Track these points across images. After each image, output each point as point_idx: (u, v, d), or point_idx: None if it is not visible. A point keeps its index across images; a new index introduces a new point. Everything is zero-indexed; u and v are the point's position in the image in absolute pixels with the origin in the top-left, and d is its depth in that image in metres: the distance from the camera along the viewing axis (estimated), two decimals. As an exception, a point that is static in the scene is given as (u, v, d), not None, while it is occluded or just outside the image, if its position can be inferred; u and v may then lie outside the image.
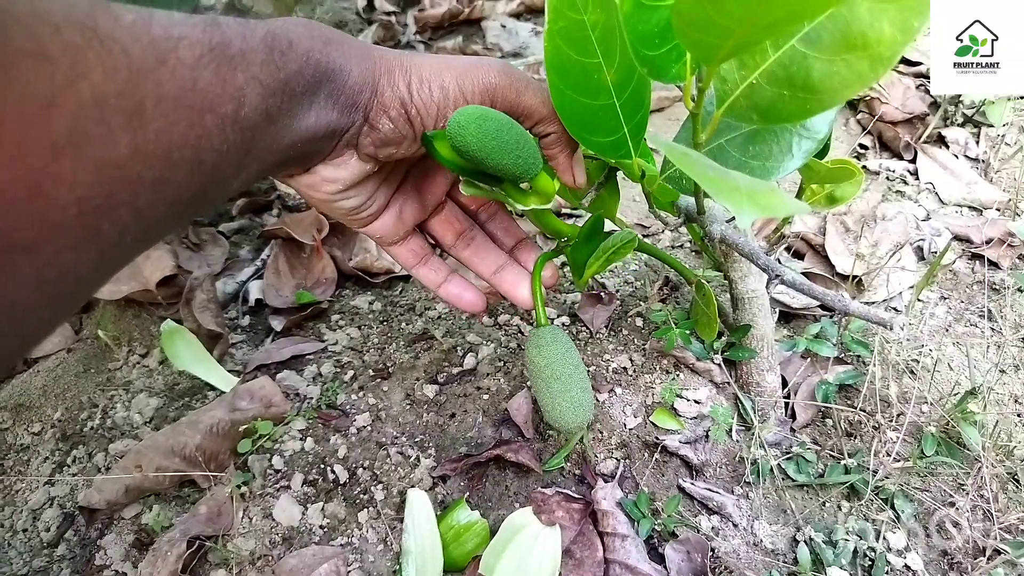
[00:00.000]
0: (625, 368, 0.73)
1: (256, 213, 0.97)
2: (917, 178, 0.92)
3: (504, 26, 1.51)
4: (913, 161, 0.94)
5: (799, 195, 0.65)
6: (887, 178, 0.93)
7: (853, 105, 1.04)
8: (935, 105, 1.01)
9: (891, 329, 0.43)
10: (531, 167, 0.42)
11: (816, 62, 0.36)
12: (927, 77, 1.07)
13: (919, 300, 0.77)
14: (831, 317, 0.74)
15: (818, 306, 0.75)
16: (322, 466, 0.66)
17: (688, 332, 0.70)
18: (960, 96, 0.98)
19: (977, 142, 0.96)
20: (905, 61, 1.11)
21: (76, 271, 0.23)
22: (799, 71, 0.37)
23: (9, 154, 0.19)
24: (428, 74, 0.39)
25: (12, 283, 0.21)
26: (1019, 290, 0.77)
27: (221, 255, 0.88)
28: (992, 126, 0.96)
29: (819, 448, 0.66)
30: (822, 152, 0.61)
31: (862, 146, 0.98)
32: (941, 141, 0.97)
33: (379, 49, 0.39)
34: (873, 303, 0.76)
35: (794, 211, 0.32)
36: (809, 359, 0.72)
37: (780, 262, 0.78)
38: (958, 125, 0.98)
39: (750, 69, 0.39)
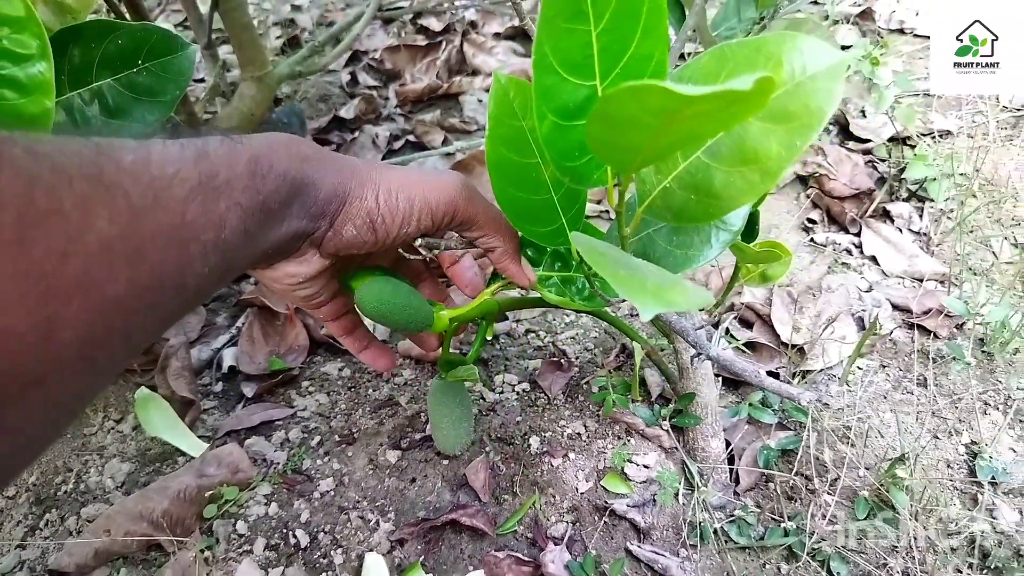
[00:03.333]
0: (579, 434, 0.76)
1: (234, 280, 1.01)
2: (862, 251, 0.97)
3: (480, 100, 1.58)
4: (858, 235, 1.00)
5: (735, 274, 0.70)
6: (833, 250, 0.98)
7: (804, 180, 1.10)
8: (881, 180, 1.07)
9: (799, 403, 0.47)
10: (422, 325, 0.51)
11: (717, 172, 0.41)
12: (875, 154, 1.14)
13: (859, 368, 0.82)
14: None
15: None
16: (284, 530, 0.68)
17: (630, 398, 0.74)
18: (903, 172, 1.04)
19: (920, 216, 1.02)
20: (854, 138, 1.18)
21: (75, 396, 0.27)
22: (704, 179, 0.42)
23: (29, 305, 0.22)
24: (396, 187, 0.44)
25: (24, 413, 0.23)
26: (954, 359, 0.82)
27: (198, 322, 0.92)
28: (934, 200, 1.02)
29: (760, 511, 0.69)
30: (752, 235, 0.66)
31: (810, 220, 1.03)
32: (886, 215, 1.03)
33: (352, 162, 0.44)
34: (812, 371, 0.80)
35: (694, 305, 0.36)
36: (753, 425, 0.76)
37: (728, 331, 0.83)
38: (903, 200, 1.04)
39: (664, 174, 0.44)
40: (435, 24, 1.88)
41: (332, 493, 0.72)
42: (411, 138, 1.43)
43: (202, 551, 0.66)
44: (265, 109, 1.10)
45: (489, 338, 0.89)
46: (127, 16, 0.80)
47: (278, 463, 0.75)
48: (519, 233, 0.52)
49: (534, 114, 0.39)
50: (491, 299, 0.56)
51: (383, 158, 1.36)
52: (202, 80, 1.37)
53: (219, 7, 0.98)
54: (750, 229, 0.66)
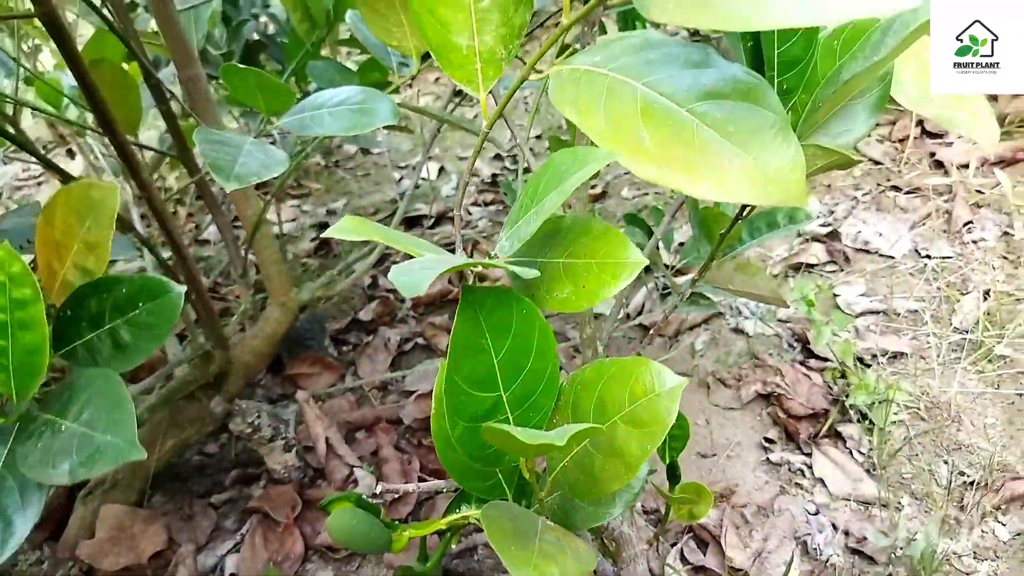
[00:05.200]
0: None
1: (246, 483, 1.12)
2: (813, 472, 1.06)
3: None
4: (810, 455, 1.09)
5: (666, 513, 0.80)
6: (788, 470, 1.07)
7: (767, 398, 1.21)
8: (836, 401, 1.17)
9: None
10: (381, 550, 0.62)
11: (597, 459, 0.53)
12: (834, 371, 1.25)
13: (802, 592, 0.88)
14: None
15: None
16: None
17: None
18: (850, 394, 1.15)
19: (870, 438, 1.11)
20: (815, 356, 1.30)
21: None
22: (589, 463, 0.53)
23: None
24: None
25: None
26: (892, 584, 0.88)
27: (208, 526, 1.03)
28: (880, 425, 1.12)
29: None
30: (675, 480, 0.77)
31: (768, 439, 1.13)
32: (838, 436, 1.12)
33: None
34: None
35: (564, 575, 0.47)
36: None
37: (683, 555, 0.91)
38: (854, 421, 1.14)
39: (564, 455, 0.56)
40: (450, 230, 2.10)
41: None
42: (420, 340, 1.59)
43: None
44: (287, 327, 1.27)
45: (454, 547, 0.97)
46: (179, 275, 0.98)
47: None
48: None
49: (447, 423, 0.52)
50: (460, 516, 0.67)
51: (393, 360, 1.51)
52: (237, 297, 1.56)
53: (253, 246, 1.17)
54: (673, 475, 0.77)
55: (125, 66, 1.37)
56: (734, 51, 0.64)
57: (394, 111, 0.84)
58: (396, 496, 1.01)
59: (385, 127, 0.91)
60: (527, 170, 1.08)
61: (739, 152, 0.44)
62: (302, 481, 1.09)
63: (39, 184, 2.58)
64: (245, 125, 2.04)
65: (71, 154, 2.21)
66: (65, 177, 0.85)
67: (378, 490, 0.63)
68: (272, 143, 1.24)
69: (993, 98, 1.92)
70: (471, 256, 1.89)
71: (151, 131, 2.22)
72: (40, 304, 0.64)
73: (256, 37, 1.63)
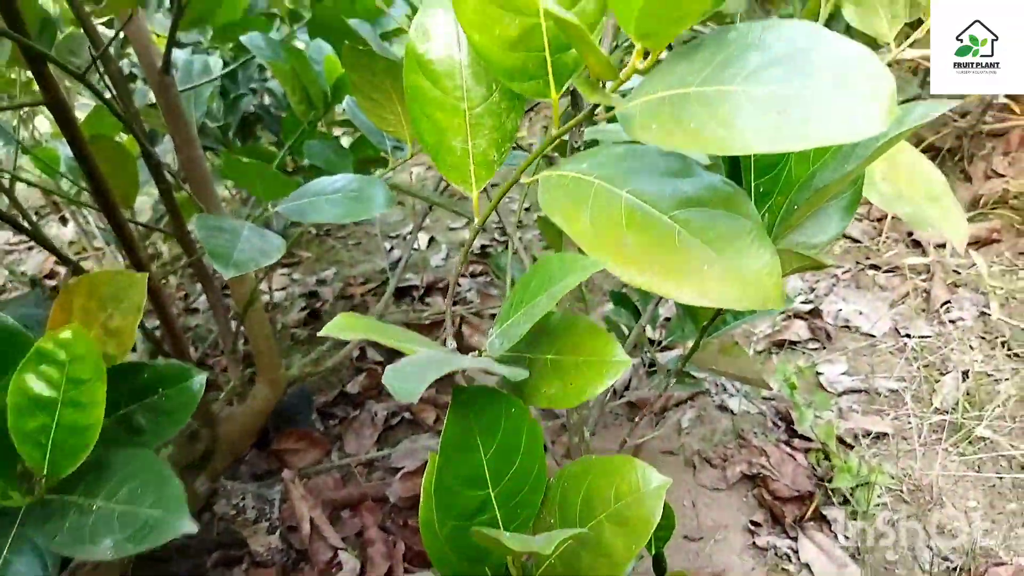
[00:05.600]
0: None
1: (227, 566, 1.11)
2: (799, 557, 1.06)
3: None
4: (796, 539, 1.09)
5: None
6: (775, 554, 1.07)
7: (752, 479, 1.22)
8: (820, 483, 1.18)
9: None
10: None
11: (584, 556, 0.54)
12: (818, 452, 1.26)
13: None
14: None
15: None
16: None
17: None
18: (833, 478, 1.15)
19: (855, 521, 1.11)
20: (800, 436, 1.31)
21: None
22: (575, 560, 0.54)
23: None
24: None
25: None
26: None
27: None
28: (864, 508, 1.12)
29: None
30: (663, 568, 0.77)
31: (754, 523, 1.13)
32: (823, 519, 1.12)
33: None
34: None
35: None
36: None
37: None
38: (838, 504, 1.14)
39: (552, 553, 0.56)
40: (440, 303, 2.12)
41: None
42: (407, 415, 1.59)
43: None
44: (275, 403, 1.27)
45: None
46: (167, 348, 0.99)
47: None
48: None
49: (435, 521, 0.52)
50: None
51: (379, 435, 1.50)
52: (224, 370, 1.56)
53: (244, 322, 1.18)
54: (659, 567, 0.77)
55: (123, 136, 1.40)
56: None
57: (389, 199, 0.87)
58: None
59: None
60: (515, 252, 1.11)
61: (718, 257, 0.47)
62: (285, 564, 1.07)
63: (29, 249, 2.59)
64: (239, 194, 2.08)
65: (64, 221, 2.23)
66: (64, 260, 0.87)
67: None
68: (267, 224, 1.27)
69: (968, 179, 2.00)
70: (459, 330, 1.91)
71: (144, 197, 2.25)
72: (101, 386, 0.65)
73: (253, 109, 1.67)
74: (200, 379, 0.79)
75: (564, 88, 0.53)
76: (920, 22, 0.81)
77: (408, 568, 1.07)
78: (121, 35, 1.17)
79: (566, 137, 0.82)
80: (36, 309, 0.86)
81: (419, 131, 0.60)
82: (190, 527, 0.64)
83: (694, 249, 0.47)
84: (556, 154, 1.22)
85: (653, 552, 0.77)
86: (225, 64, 1.43)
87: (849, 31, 0.86)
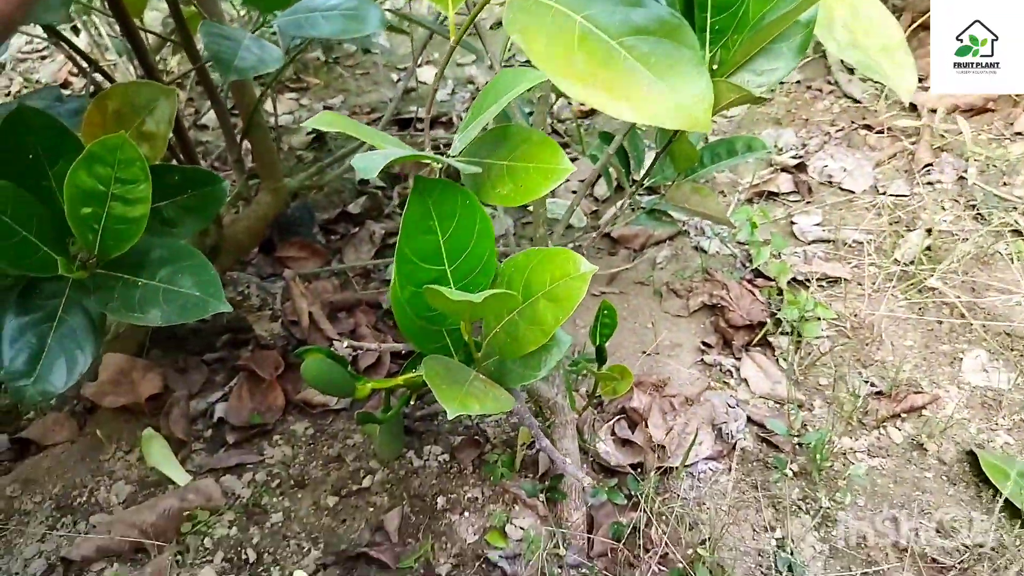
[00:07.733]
0: (476, 498, 0.98)
1: (235, 347, 1.25)
2: (740, 373, 1.19)
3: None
4: (740, 359, 1.22)
5: (594, 388, 0.93)
6: (719, 370, 1.20)
7: (712, 309, 1.33)
8: (773, 316, 1.29)
9: (578, 479, 0.69)
10: (346, 394, 0.76)
11: (521, 326, 0.65)
12: (772, 289, 1.36)
13: (711, 469, 1.03)
14: (636, 473, 0.99)
15: (629, 464, 1.01)
16: (239, 548, 0.90)
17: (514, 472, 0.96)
18: (780, 314, 1.27)
19: (797, 350, 1.24)
20: (763, 276, 1.41)
21: None
22: (514, 330, 0.65)
23: None
24: None
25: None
26: (777, 468, 1.02)
27: (200, 379, 1.16)
28: (808, 338, 1.24)
29: (607, 574, 0.90)
30: (602, 361, 0.89)
31: (706, 343, 1.26)
32: (768, 345, 1.25)
33: None
34: (674, 467, 1.01)
35: (491, 410, 0.59)
36: (615, 505, 0.97)
37: (614, 431, 1.04)
38: (785, 334, 1.26)
39: (497, 322, 0.67)
40: (441, 134, 2.17)
41: (280, 524, 0.94)
42: (405, 236, 1.69)
43: (174, 556, 0.88)
44: (277, 212, 1.37)
45: (418, 413, 1.11)
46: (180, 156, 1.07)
47: (243, 497, 0.98)
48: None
49: (399, 287, 0.63)
50: (416, 375, 0.79)
51: (377, 251, 1.62)
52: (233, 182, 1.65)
53: (249, 134, 1.25)
54: (600, 356, 0.89)
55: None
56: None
57: (382, 19, 0.92)
58: (362, 352, 1.14)
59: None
60: (491, 67, 1.16)
61: (657, 81, 0.53)
62: (286, 347, 1.22)
63: (42, 58, 2.62)
64: (246, 15, 2.08)
65: (75, 30, 2.24)
66: (83, 67, 0.93)
67: (345, 344, 0.75)
68: (273, 36, 1.32)
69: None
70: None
71: (153, 12, 2.25)
72: (147, 186, 0.74)
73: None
74: (224, 184, 0.88)
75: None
76: None
77: (395, 360, 1.22)
78: None
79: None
80: (57, 103, 0.94)
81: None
82: (226, 307, 0.77)
83: (637, 73, 0.53)
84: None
85: (597, 344, 0.89)
86: None
87: None
